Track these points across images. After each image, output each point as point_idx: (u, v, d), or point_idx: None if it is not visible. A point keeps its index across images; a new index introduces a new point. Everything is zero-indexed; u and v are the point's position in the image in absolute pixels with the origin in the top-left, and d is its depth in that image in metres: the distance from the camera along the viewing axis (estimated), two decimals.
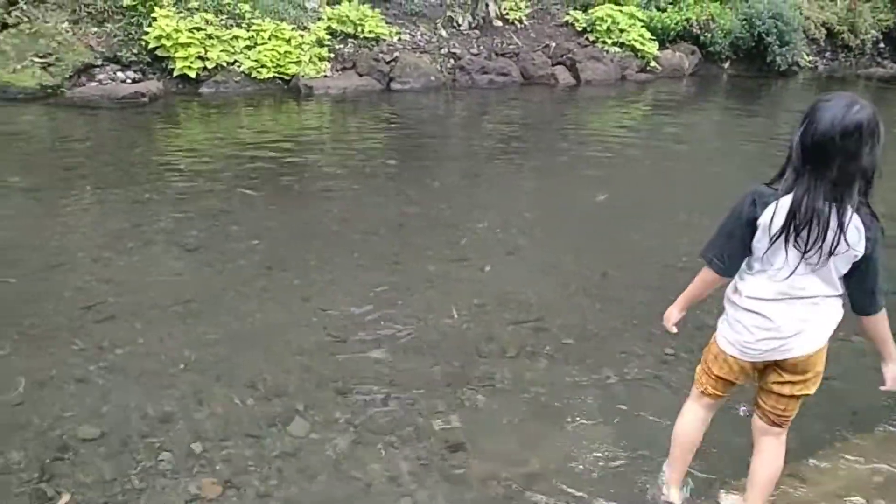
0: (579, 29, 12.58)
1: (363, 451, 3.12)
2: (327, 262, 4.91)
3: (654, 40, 12.72)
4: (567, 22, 12.69)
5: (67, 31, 9.12)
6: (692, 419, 2.75)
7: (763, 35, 13.03)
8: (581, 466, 3.06)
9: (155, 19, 9.31)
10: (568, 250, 5.29)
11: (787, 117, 10.59)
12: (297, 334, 4.00)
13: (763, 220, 2.29)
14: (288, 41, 9.96)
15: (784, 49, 13.11)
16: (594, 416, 3.38)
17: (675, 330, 2.69)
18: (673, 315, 2.67)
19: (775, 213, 2.26)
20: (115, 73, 9.42)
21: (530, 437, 3.24)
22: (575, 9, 12.85)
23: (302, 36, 10.18)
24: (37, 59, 8.75)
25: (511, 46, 11.87)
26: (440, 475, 2.99)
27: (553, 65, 11.88)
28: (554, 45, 12.20)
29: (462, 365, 3.77)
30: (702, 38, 13.17)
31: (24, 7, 8.92)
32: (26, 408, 3.27)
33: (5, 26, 8.81)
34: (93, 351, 3.73)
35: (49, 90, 8.72)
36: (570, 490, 2.92)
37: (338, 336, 4.00)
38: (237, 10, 10.01)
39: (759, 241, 2.34)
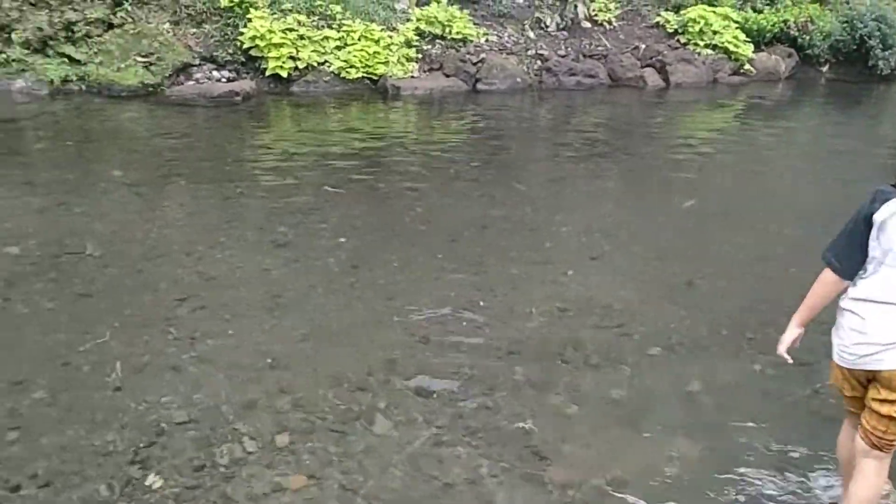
0: (670, 30, 12.33)
1: (443, 451, 3.14)
2: (411, 261, 4.96)
3: (748, 42, 12.35)
4: (658, 23, 12.46)
5: (168, 32, 9.48)
6: (844, 436, 2.72)
7: (865, 38, 12.49)
8: (663, 476, 3.00)
9: (250, 20, 9.59)
10: (653, 257, 5.20)
11: (891, 122, 10.14)
12: (380, 333, 4.06)
13: (878, 216, 2.24)
14: (377, 42, 10.10)
15: (887, 52, 12.53)
16: (678, 426, 3.32)
17: (790, 360, 2.61)
18: (789, 333, 2.57)
19: (892, 211, 2.20)
20: (211, 73, 9.73)
21: (612, 445, 3.20)
22: (666, 10, 12.61)
23: (391, 37, 10.30)
24: (139, 59, 9.12)
25: (599, 48, 11.73)
26: (520, 479, 2.98)
27: (642, 67, 11.68)
28: (644, 46, 12.00)
29: (544, 369, 3.75)
30: (799, 40, 12.72)
31: (129, 9, 9.32)
32: (124, 393, 3.42)
33: (111, 27, 9.22)
34: (186, 341, 3.88)
35: (150, 88, 9.08)
36: (651, 500, 2.88)
37: (420, 336, 4.04)
38: (328, 12, 10.21)
39: (874, 240, 2.29)
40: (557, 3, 11.86)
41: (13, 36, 8.57)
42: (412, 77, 10.26)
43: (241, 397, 3.44)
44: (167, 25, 9.53)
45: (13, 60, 8.58)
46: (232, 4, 9.67)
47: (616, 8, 12.38)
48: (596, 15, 12.12)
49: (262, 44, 9.54)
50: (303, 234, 5.35)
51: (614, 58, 11.58)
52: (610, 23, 12.20)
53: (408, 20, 10.81)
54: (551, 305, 4.42)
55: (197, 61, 9.63)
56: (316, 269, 4.81)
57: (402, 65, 10.21)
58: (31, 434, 3.10)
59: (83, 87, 8.91)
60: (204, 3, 9.72)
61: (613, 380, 3.69)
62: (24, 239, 4.97)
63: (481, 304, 4.41)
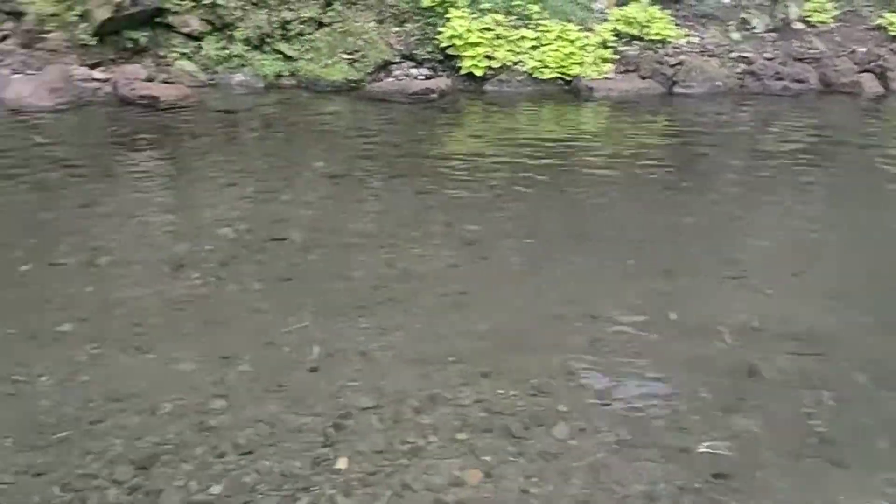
0: (894, 33, 11.32)
1: (622, 464, 3.08)
2: (598, 266, 4.89)
3: None
4: (880, 26, 11.47)
5: (373, 31, 9.90)
6: None
7: None
8: None
9: (449, 20, 9.81)
10: (863, 277, 4.81)
11: None
12: (563, 336, 4.03)
13: None
14: (572, 42, 10.01)
15: None
16: (887, 464, 3.05)
17: None
18: None
19: None
20: (409, 70, 10.07)
21: (808, 477, 3.00)
22: (891, 11, 11.58)
23: (587, 37, 10.18)
24: (345, 56, 9.60)
25: (811, 51, 10.97)
26: (706, 502, 2.86)
27: (859, 72, 10.80)
28: (863, 50, 11.09)
29: (734, 388, 3.58)
30: None
31: (339, 8, 9.83)
32: (318, 374, 3.62)
33: (321, 25, 9.76)
34: (376, 330, 4.04)
35: (353, 84, 9.52)
36: None
37: (604, 342, 3.97)
38: (526, 12, 10.24)
39: None
40: (767, 4, 11.22)
41: (236, 33, 9.28)
42: (606, 78, 10.08)
43: (424, 389, 3.53)
44: (372, 24, 9.95)
45: (234, 56, 9.29)
46: (433, 4, 9.94)
47: (833, 8, 11.53)
48: (809, 16, 11.35)
49: (459, 43, 9.73)
50: (490, 232, 5.41)
51: (828, 62, 10.79)
52: (825, 24, 11.39)
53: (605, 20, 10.64)
54: (745, 322, 4.20)
55: (397, 59, 9.98)
56: (501, 267, 4.86)
57: (597, 66, 10.06)
58: (235, 405, 3.36)
59: (293, 82, 9.50)
60: (407, 3, 10.06)
61: (811, 406, 3.46)
62: (236, 222, 5.37)
63: (670, 316, 4.26)
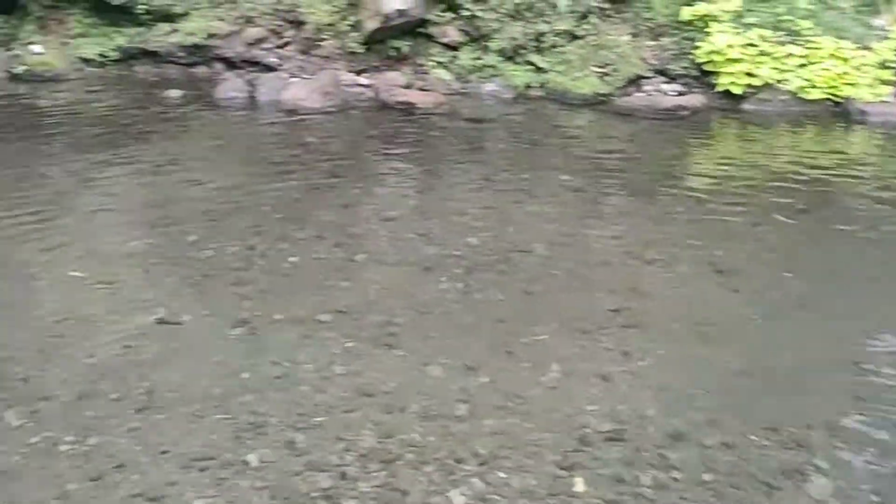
0: None
1: None
2: (867, 309, 4.43)
3: None
4: None
5: (626, 44, 9.72)
6: None
7: None
8: None
9: (709, 34, 9.39)
10: None
11: None
12: (825, 383, 3.71)
13: None
14: (846, 61, 9.19)
15: None
16: None
17: None
18: None
19: None
20: (660, 86, 9.76)
21: None
22: None
23: (864, 56, 9.31)
24: (596, 69, 9.51)
25: None
26: None
27: None
28: None
29: None
30: None
31: (594, 21, 9.76)
32: (556, 393, 3.60)
33: (574, 38, 9.74)
34: (617, 353, 3.94)
35: (601, 98, 9.41)
36: None
37: (871, 395, 3.60)
38: (795, 27, 9.56)
39: None
40: None
41: (490, 44, 9.52)
42: (883, 101, 9.16)
43: (668, 422, 3.39)
44: (626, 38, 9.78)
45: (487, 66, 9.53)
46: (693, 18, 9.58)
47: None
48: None
49: (718, 59, 9.29)
50: (743, 261, 5.08)
51: None
52: None
53: (886, 38, 9.67)
54: None
55: (649, 74, 9.72)
56: (757, 301, 4.54)
57: (873, 87, 9.16)
58: (476, 413, 3.42)
59: (542, 94, 9.57)
60: (665, 17, 9.78)
61: None
62: (481, 231, 5.47)
63: None
